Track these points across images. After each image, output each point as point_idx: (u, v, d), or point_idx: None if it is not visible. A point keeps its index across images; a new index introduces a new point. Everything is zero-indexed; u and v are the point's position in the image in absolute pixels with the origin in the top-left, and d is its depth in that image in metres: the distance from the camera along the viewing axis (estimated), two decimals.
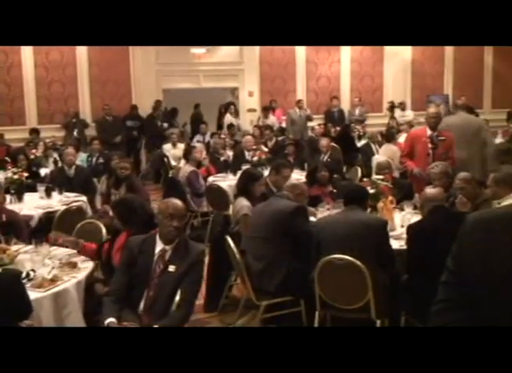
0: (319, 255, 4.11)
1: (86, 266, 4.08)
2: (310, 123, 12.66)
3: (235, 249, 4.50)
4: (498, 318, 1.49)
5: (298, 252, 4.45)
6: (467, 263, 1.57)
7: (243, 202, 5.15)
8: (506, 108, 13.84)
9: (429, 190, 4.34)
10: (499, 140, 10.05)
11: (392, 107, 12.80)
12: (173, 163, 9.66)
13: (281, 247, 4.46)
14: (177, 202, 3.78)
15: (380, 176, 5.36)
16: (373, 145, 10.19)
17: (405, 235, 4.55)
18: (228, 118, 12.53)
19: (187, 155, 8.11)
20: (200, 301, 4.95)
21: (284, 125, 12.53)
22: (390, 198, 5.02)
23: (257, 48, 13.25)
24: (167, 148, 10.52)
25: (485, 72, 14.66)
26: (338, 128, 12.16)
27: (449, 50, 14.30)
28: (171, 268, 3.63)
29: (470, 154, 6.58)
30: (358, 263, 3.89)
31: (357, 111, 13.12)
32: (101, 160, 8.88)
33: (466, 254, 1.58)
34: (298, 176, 7.31)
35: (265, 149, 9.26)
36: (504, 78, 14.57)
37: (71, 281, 3.77)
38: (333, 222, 4.33)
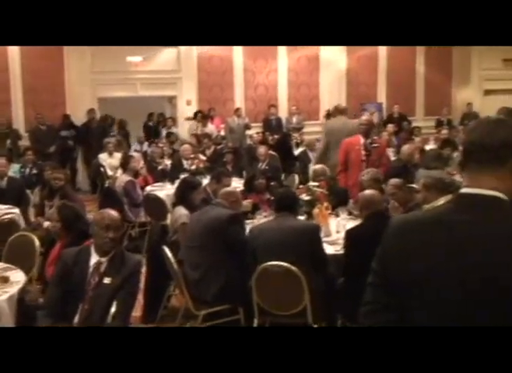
0: (255, 263, 4.14)
1: (19, 280, 3.97)
2: (248, 132, 12.73)
3: (172, 259, 4.47)
4: (425, 318, 1.53)
5: (235, 260, 4.46)
6: (391, 264, 1.62)
7: (182, 211, 5.14)
8: (436, 116, 14.36)
9: (367, 192, 4.44)
10: (430, 146, 10.39)
11: (329, 115, 13.03)
12: (110, 173, 9.50)
13: (217, 255, 4.46)
14: (113, 213, 3.73)
15: (316, 183, 5.45)
16: (310, 153, 10.36)
17: (340, 241, 4.66)
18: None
19: (124, 164, 8.00)
20: (138, 312, 4.89)
21: (223, 133, 12.56)
22: (325, 204, 5.11)
23: (194, 56, 13.23)
24: (103, 157, 10.35)
25: (417, 81, 15.13)
26: (276, 136, 12.29)
27: (382, 60, 14.69)
28: (107, 280, 3.56)
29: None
30: (294, 269, 3.94)
31: (294, 119, 13.29)
32: (34, 171, 8.64)
33: (390, 256, 1.63)
34: (236, 184, 7.34)
35: (203, 158, 9.26)
36: (435, 87, 15.09)
37: (2, 296, 3.67)
38: (266, 230, 4.35)
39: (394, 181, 5.15)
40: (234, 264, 4.45)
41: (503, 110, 5.31)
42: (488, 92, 15.08)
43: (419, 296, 1.55)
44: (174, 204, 5.50)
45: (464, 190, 1.61)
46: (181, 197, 5.34)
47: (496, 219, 1.51)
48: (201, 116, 12.31)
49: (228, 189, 5.08)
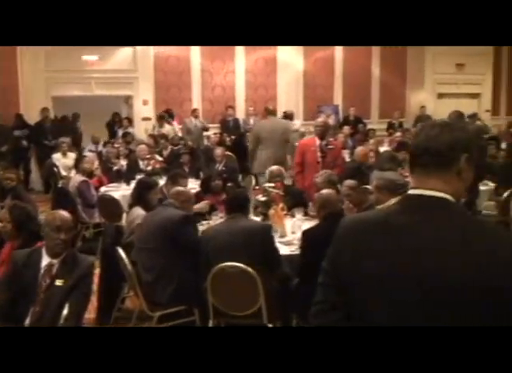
0: (209, 264, 4.13)
1: None
2: (205, 133, 12.70)
3: (126, 260, 4.42)
4: (379, 317, 1.55)
5: (188, 262, 4.43)
6: (341, 264, 1.64)
7: (139, 211, 5.09)
8: (391, 118, 14.61)
9: (324, 192, 4.48)
10: (385, 148, 10.57)
11: (285, 117, 13.10)
12: (64, 173, 9.33)
13: (170, 257, 4.42)
14: (65, 214, 3.67)
15: (272, 184, 5.48)
16: None
17: (295, 241, 4.69)
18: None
19: (78, 164, 7.88)
20: (92, 314, 4.83)
21: (180, 134, 12.50)
22: (281, 205, 5.14)
23: (151, 56, 13.13)
24: (57, 157, 10.16)
25: (372, 84, 15.36)
26: (233, 137, 12.29)
27: (339, 62, 14.86)
28: (58, 282, 3.50)
29: (276, 150, 7.91)
30: (249, 269, 3.95)
31: (252, 120, 13.31)
32: None
33: (340, 256, 1.65)
34: (193, 185, 7.32)
35: (160, 158, 9.19)
36: (390, 90, 15.35)
37: None
38: (218, 232, 4.34)
39: (348, 182, 5.22)
40: (188, 265, 4.43)
41: (454, 114, 5.45)
42: (441, 96, 15.45)
43: (368, 296, 1.57)
44: (131, 205, 5.45)
45: (411, 192, 1.64)
46: (138, 198, 5.29)
47: (442, 220, 1.54)
48: (158, 117, 12.23)
49: (178, 188, 5.02)
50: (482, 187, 7.42)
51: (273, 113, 8.54)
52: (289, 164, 8.02)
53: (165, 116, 12.25)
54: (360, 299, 1.59)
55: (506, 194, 6.98)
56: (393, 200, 4.19)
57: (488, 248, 1.48)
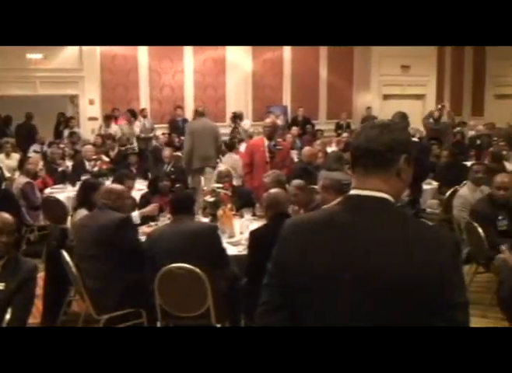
0: (156, 266, 4.09)
1: None
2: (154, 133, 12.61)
3: (71, 264, 4.33)
4: (323, 317, 1.57)
5: (133, 265, 4.36)
6: (285, 265, 1.65)
7: (84, 213, 4.99)
8: (338, 119, 14.82)
9: (271, 191, 4.49)
10: (332, 148, 10.71)
11: (235, 117, 13.14)
12: (7, 174, 9.07)
13: (113, 263, 4.32)
14: (6, 216, 3.56)
15: (220, 185, 5.48)
16: None
17: (244, 241, 4.70)
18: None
19: (22, 165, 7.67)
20: (37, 319, 4.72)
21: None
22: (229, 206, 5.15)
23: (97, 55, 12.91)
24: (0, 158, 9.86)
25: (320, 85, 15.55)
26: (182, 138, 12.20)
27: (287, 63, 14.98)
28: (0, 286, 3.41)
29: (207, 149, 8.53)
30: (197, 270, 3.94)
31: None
32: None
33: (284, 257, 1.66)
34: (141, 186, 7.25)
35: (106, 159, 9.05)
36: (338, 91, 15.58)
37: None
38: (164, 234, 4.29)
39: (296, 182, 5.27)
40: (133, 268, 4.35)
41: (397, 115, 5.57)
42: (387, 97, 15.75)
43: (312, 296, 1.59)
44: (76, 207, 5.33)
45: (352, 192, 1.67)
46: (83, 200, 5.18)
47: (382, 220, 1.57)
48: (105, 117, 12.05)
49: (107, 186, 4.87)
50: (425, 186, 7.61)
51: (202, 114, 9.19)
52: (217, 161, 8.85)
53: (113, 116, 12.09)
54: (305, 299, 1.60)
55: (448, 193, 7.19)
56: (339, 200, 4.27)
57: (425, 248, 1.51)
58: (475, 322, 4.81)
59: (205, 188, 6.24)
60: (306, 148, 7.93)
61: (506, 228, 5.15)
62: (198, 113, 9.32)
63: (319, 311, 1.58)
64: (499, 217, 5.20)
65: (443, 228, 2.71)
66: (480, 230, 5.14)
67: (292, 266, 1.63)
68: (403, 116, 5.57)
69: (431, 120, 11.04)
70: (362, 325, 1.51)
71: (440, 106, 11.56)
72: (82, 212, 5.02)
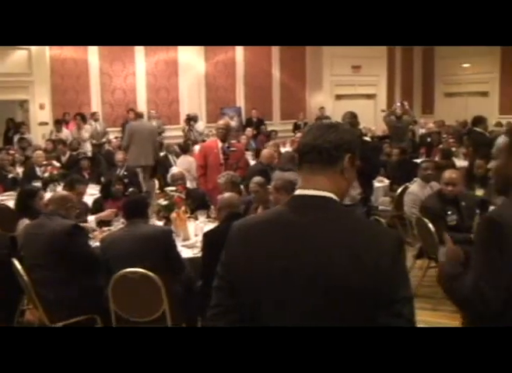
0: (110, 271, 4.04)
1: None
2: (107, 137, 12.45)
3: (22, 272, 4.23)
4: (271, 318, 1.59)
5: (85, 271, 4.29)
6: (233, 267, 1.66)
7: (26, 222, 4.87)
8: (292, 119, 14.94)
9: (225, 194, 4.51)
10: (287, 149, 10.78)
11: (189, 119, 13.09)
12: None
13: (65, 270, 4.23)
14: None
15: (173, 188, 5.45)
16: (171, 157, 10.33)
17: (198, 244, 4.69)
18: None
19: None
20: None
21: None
22: (183, 208, 5.12)
23: (47, 58, 12.66)
24: None
25: (273, 86, 15.65)
26: None
27: (240, 65, 15.02)
28: None
29: (146, 147, 9.56)
30: (151, 274, 3.91)
31: (154, 123, 13.15)
32: None
33: (232, 259, 1.67)
34: (93, 191, 7.14)
35: (57, 164, 8.89)
36: (291, 92, 15.71)
37: None
38: (118, 238, 4.25)
39: (256, 179, 5.31)
40: (87, 275, 4.29)
41: (347, 114, 5.66)
42: (339, 97, 15.95)
43: (260, 297, 1.60)
44: (18, 217, 5.18)
45: (297, 192, 1.69)
46: (23, 208, 5.06)
47: (327, 219, 1.59)
48: (55, 121, 11.84)
49: (61, 193, 4.79)
50: (377, 184, 7.75)
51: (141, 116, 10.37)
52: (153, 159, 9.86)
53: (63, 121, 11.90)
54: (254, 301, 1.61)
55: (399, 190, 7.34)
56: None
57: (369, 246, 1.54)
58: (427, 315, 4.94)
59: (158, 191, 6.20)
60: (266, 150, 7.94)
61: (455, 223, 5.28)
62: (137, 115, 10.38)
63: (269, 313, 1.59)
64: (449, 213, 5.33)
65: (383, 225, 2.76)
66: (430, 225, 5.26)
67: (239, 267, 1.64)
68: (353, 116, 5.65)
69: (393, 118, 11.24)
70: (312, 324, 1.53)
71: (399, 104, 11.77)
72: (25, 222, 4.89)
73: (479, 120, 8.87)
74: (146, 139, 9.58)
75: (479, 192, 6.29)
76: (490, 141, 7.64)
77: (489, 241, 2.02)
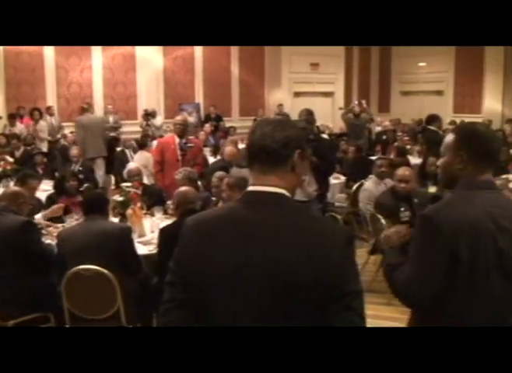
0: (64, 268, 3.99)
1: None
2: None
3: None
4: (229, 313, 1.59)
5: (38, 268, 4.22)
6: (186, 263, 1.66)
7: None
8: (251, 116, 14.94)
9: (181, 189, 4.48)
10: (244, 145, 10.78)
11: (146, 115, 12.97)
12: None
13: (18, 267, 4.14)
14: None
15: (129, 184, 5.40)
16: (128, 152, 10.23)
17: (154, 240, 4.66)
18: None
19: None
20: None
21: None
22: (138, 205, 5.08)
23: (0, 51, 12.35)
24: None
25: (232, 82, 15.63)
26: None
27: (198, 60, 14.94)
28: None
29: (95, 139, 10.07)
30: (105, 271, 3.87)
31: (111, 118, 13.00)
32: None
33: (185, 255, 1.68)
34: (47, 187, 7.02)
35: (10, 159, 8.69)
36: (250, 88, 15.72)
37: None
38: (75, 234, 4.19)
39: (219, 174, 5.30)
40: (40, 272, 4.21)
41: (303, 112, 5.70)
42: (297, 94, 16.03)
43: (213, 292, 1.61)
44: None
45: (249, 188, 1.70)
46: None
47: (278, 214, 1.61)
48: (9, 115, 11.56)
49: (13, 189, 4.68)
50: (334, 181, 7.84)
51: (87, 110, 10.62)
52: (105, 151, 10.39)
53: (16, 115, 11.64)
54: (207, 296, 1.62)
55: (355, 187, 7.44)
56: None
57: (319, 241, 1.57)
58: (382, 310, 5.03)
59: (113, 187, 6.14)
60: (228, 147, 7.93)
61: (408, 219, 5.37)
62: (83, 110, 10.66)
63: (222, 308, 1.60)
64: (402, 209, 5.39)
65: (334, 221, 2.81)
66: (384, 221, 5.36)
67: (192, 263, 1.64)
68: (309, 113, 5.70)
69: (351, 116, 11.39)
70: (264, 319, 1.55)
71: (357, 102, 11.95)
72: None
73: (433, 119, 9.06)
74: (94, 132, 10.05)
75: (432, 189, 6.43)
76: (443, 139, 7.77)
77: (424, 237, 2.05)
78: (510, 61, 15.33)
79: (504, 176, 5.95)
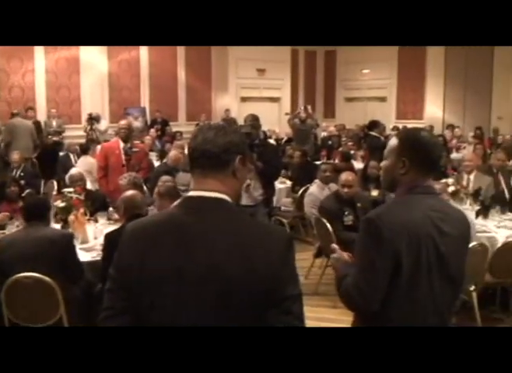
0: (5, 276, 3.88)
1: None
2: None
3: None
4: (170, 319, 1.58)
5: None
6: (125, 268, 1.65)
7: None
8: (197, 121, 14.90)
9: (128, 193, 4.40)
10: None
11: (91, 119, 12.74)
12: None
13: None
14: None
15: (71, 189, 5.30)
16: (72, 157, 10.03)
17: (97, 247, 4.59)
18: None
19: None
20: None
21: None
22: (81, 210, 4.99)
23: None
24: None
25: (179, 87, 15.55)
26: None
27: (144, 64, 14.79)
28: None
29: (25, 142, 10.34)
30: (46, 279, 3.80)
31: (54, 122, 12.72)
32: None
33: (124, 260, 1.66)
34: None
35: None
36: (196, 93, 15.67)
37: None
38: (15, 241, 4.09)
39: (164, 178, 5.25)
40: None
41: (249, 117, 5.73)
42: (244, 99, 16.10)
43: (152, 298, 1.60)
44: None
45: (190, 193, 1.70)
46: None
47: (219, 219, 1.61)
48: None
49: None
50: (280, 185, 7.92)
51: (17, 114, 11.12)
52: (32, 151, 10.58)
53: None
54: (147, 302, 1.61)
55: (300, 191, 7.53)
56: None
57: (259, 246, 1.58)
58: (327, 312, 5.10)
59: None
60: (173, 152, 7.88)
61: (351, 223, 5.49)
62: (13, 114, 11.20)
63: (162, 313, 1.59)
64: (345, 213, 5.54)
65: (276, 225, 2.84)
66: (328, 225, 5.45)
67: (132, 269, 1.63)
68: (255, 118, 5.73)
69: (297, 121, 11.53)
70: (205, 324, 1.55)
71: (303, 108, 12.11)
72: None
73: (374, 125, 9.28)
74: (25, 135, 10.49)
75: (374, 192, 6.58)
76: (385, 145, 7.94)
77: (367, 241, 2.09)
78: (450, 70, 15.84)
79: (443, 181, 6.13)
